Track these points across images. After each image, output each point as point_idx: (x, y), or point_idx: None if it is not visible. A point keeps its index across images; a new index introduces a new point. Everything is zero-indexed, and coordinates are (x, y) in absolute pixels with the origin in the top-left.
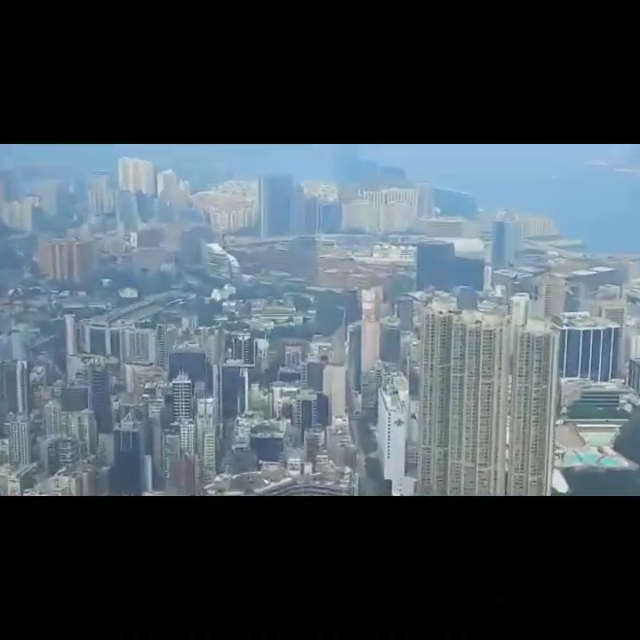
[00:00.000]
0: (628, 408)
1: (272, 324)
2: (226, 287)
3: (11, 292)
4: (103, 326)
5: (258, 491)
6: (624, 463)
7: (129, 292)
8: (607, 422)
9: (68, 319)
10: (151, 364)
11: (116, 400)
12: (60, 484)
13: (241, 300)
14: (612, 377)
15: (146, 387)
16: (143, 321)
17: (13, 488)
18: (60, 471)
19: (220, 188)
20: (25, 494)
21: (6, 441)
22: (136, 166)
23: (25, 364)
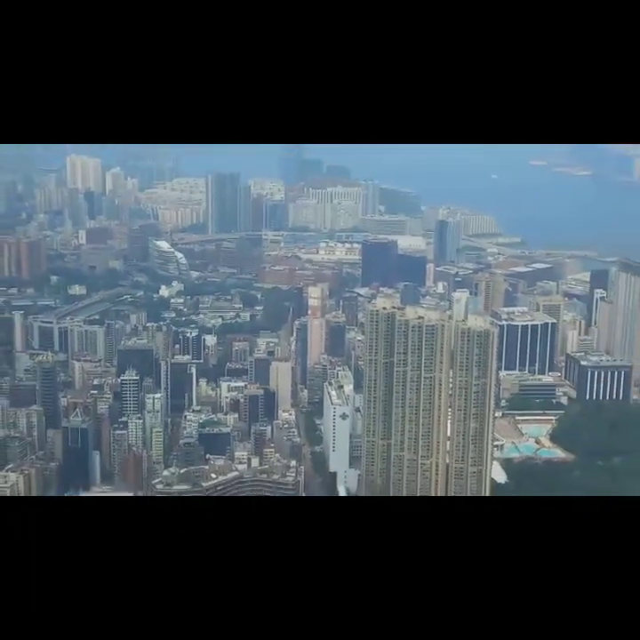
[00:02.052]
0: (564, 400)
1: (219, 320)
2: (174, 284)
3: None
4: (51, 323)
5: (205, 484)
6: (560, 454)
7: (77, 289)
8: (544, 414)
9: (16, 316)
10: (99, 360)
11: (65, 396)
12: (9, 480)
13: (189, 297)
14: (549, 370)
15: (94, 383)
16: (91, 318)
17: None
18: (8, 467)
19: (168, 185)
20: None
21: None
22: (84, 164)
23: None
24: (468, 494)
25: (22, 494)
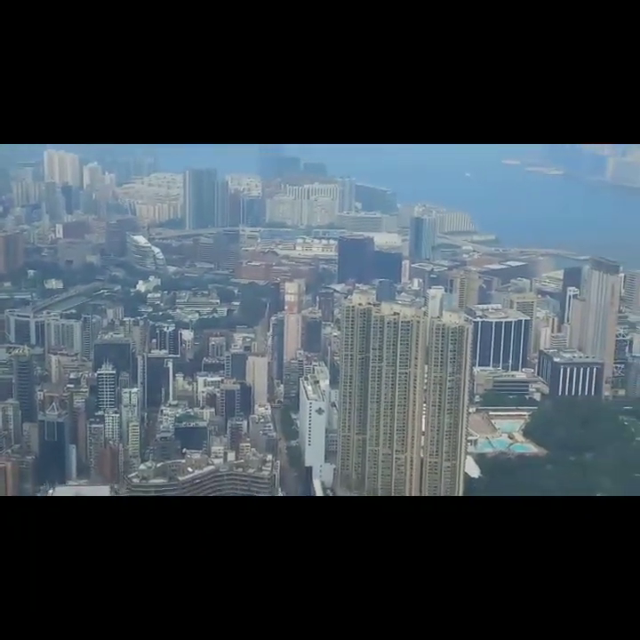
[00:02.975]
0: (537, 396)
1: (196, 315)
2: (151, 279)
3: None
4: (28, 317)
5: (181, 478)
6: (533, 449)
7: (54, 283)
8: (517, 410)
9: None
10: (76, 354)
11: (41, 390)
12: None
13: (166, 292)
14: (523, 367)
15: (71, 377)
16: (68, 312)
17: None
18: None
19: (146, 180)
20: None
21: None
22: (62, 158)
23: None
24: (442, 488)
25: None
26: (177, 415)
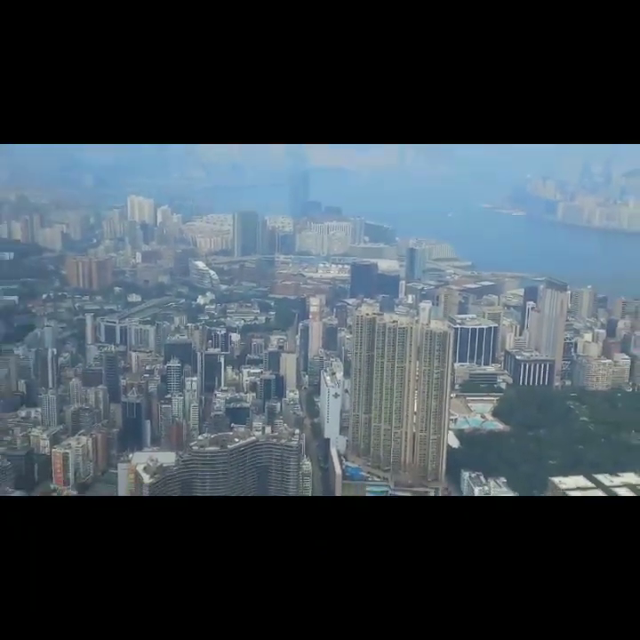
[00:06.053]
0: (503, 385)
1: (242, 321)
2: (207, 294)
3: (44, 296)
4: (114, 323)
5: (230, 446)
6: (500, 426)
7: (134, 297)
8: (488, 396)
9: (88, 317)
10: (151, 351)
11: (124, 378)
12: (81, 442)
13: (219, 304)
14: (492, 362)
15: (146, 368)
16: (145, 319)
17: (44, 445)
18: (80, 432)
19: (204, 219)
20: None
21: (39, 409)
22: (141, 203)
23: (54, 351)
24: (430, 456)
25: (91, 453)
26: (226, 398)
